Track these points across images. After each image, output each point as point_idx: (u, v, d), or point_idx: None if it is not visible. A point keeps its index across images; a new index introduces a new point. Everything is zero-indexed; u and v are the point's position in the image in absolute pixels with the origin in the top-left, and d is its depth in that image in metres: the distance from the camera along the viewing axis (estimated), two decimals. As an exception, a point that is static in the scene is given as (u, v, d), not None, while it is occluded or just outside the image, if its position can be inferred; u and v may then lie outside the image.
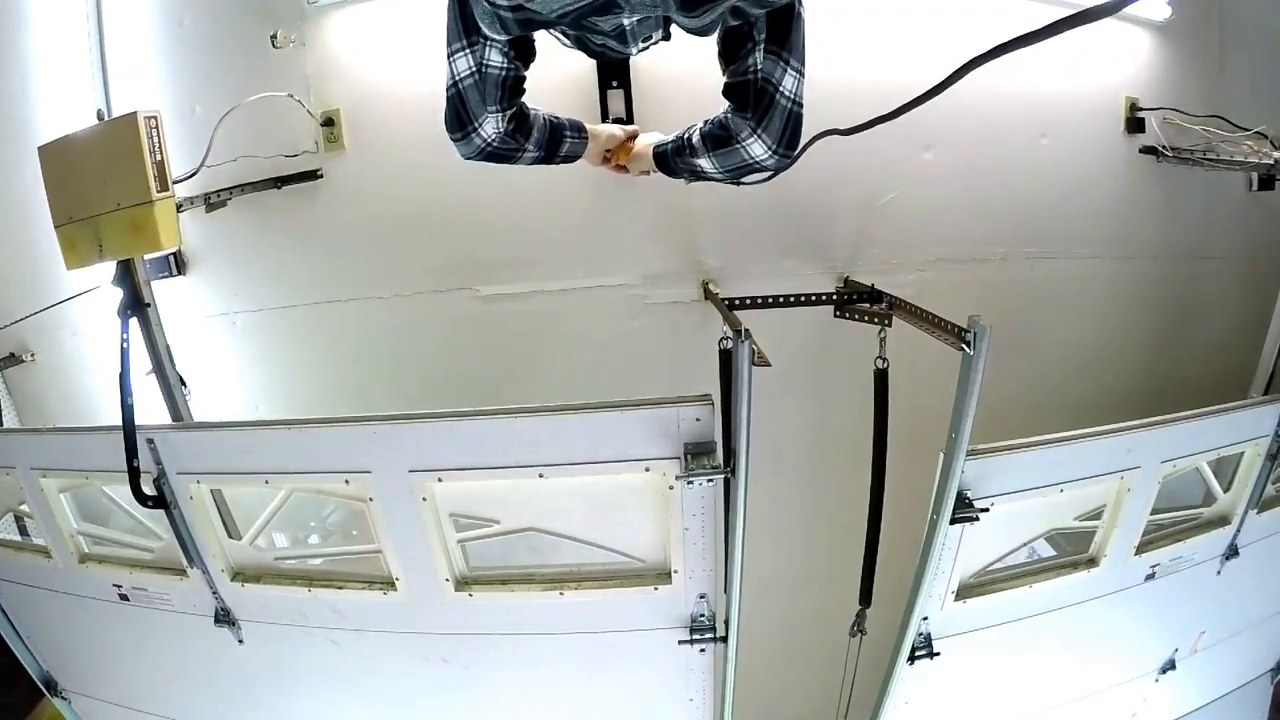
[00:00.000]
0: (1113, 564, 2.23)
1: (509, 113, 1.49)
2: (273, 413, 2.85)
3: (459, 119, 1.45)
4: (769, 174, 1.57)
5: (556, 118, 1.70)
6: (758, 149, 1.42)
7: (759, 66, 1.34)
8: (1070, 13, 0.80)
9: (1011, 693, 2.50)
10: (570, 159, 1.78)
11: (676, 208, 2.62)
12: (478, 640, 2.14)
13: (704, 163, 1.58)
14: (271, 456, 2.00)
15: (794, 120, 1.39)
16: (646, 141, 1.84)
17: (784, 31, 1.32)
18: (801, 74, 1.36)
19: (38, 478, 2.22)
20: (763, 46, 1.32)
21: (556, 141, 1.70)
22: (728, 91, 1.42)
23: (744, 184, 1.75)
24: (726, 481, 1.81)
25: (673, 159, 1.70)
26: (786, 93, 1.36)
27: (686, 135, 1.63)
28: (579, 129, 1.76)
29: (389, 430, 1.90)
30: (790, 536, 2.84)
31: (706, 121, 1.54)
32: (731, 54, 1.36)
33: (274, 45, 2.47)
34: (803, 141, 1.46)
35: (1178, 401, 2.30)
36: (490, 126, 1.48)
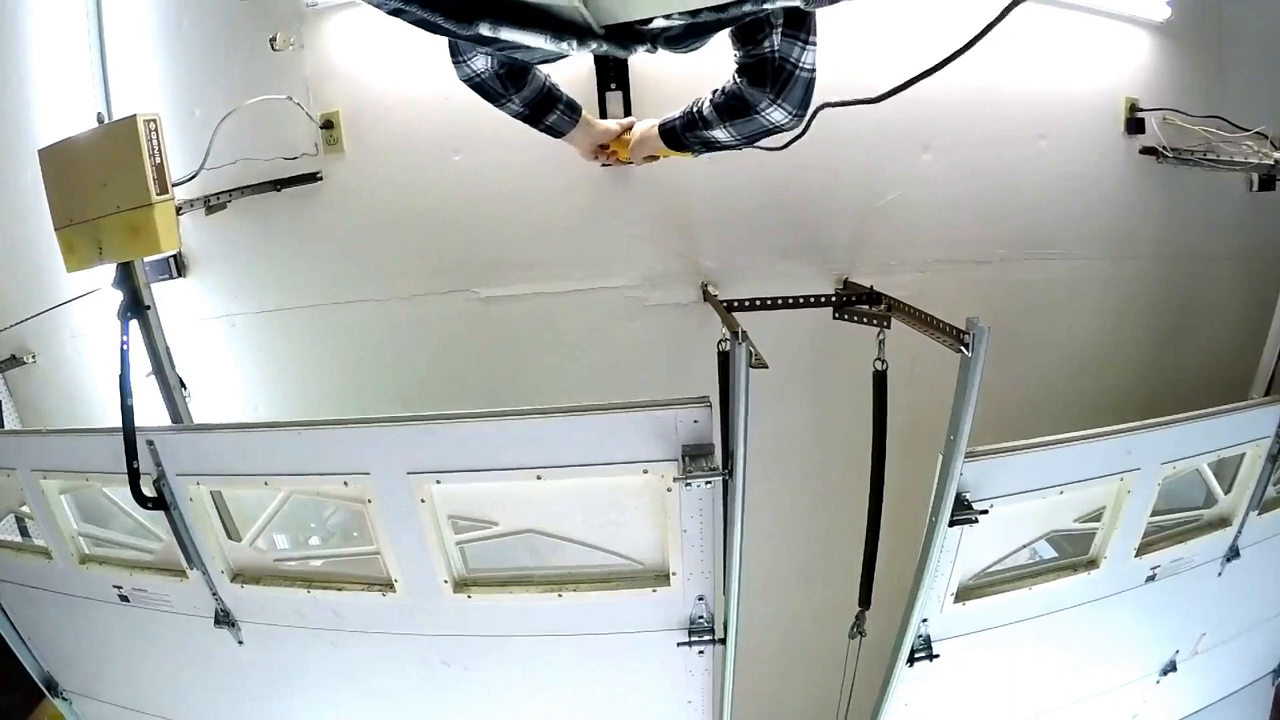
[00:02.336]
0: (1113, 566, 2.23)
1: (501, 58, 1.52)
2: (272, 414, 2.84)
3: (452, 48, 1.52)
4: (789, 134, 1.62)
5: (557, 89, 1.73)
6: (778, 115, 1.48)
7: (776, 47, 1.38)
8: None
9: (1011, 694, 2.50)
10: (555, 132, 1.80)
11: (675, 209, 2.62)
12: (476, 642, 2.14)
13: (719, 133, 1.61)
14: (271, 458, 2.01)
15: (810, 86, 1.45)
16: (645, 126, 1.85)
17: (800, 16, 1.35)
18: (816, 45, 1.40)
19: (38, 479, 2.23)
20: (780, 30, 1.36)
21: (545, 108, 1.73)
22: (743, 69, 1.45)
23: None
24: (725, 483, 1.81)
25: (683, 134, 1.72)
26: (805, 65, 1.41)
27: (695, 109, 1.64)
28: (573, 108, 1.78)
29: (387, 432, 1.91)
30: (789, 538, 2.84)
31: (715, 92, 1.56)
32: (747, 36, 1.38)
33: (273, 48, 2.47)
34: (814, 105, 1.51)
35: (1178, 403, 2.30)
36: (479, 63, 1.54)
